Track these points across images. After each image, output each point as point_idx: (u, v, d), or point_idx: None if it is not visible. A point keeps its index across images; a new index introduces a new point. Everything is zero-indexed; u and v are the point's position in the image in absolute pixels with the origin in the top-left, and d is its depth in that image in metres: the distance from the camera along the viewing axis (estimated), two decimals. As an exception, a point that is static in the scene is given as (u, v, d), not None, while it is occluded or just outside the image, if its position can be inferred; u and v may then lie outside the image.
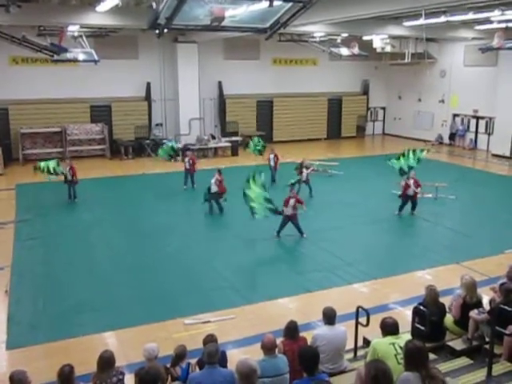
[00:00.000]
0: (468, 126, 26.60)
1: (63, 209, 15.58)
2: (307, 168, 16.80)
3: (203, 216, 14.92)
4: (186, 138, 24.36)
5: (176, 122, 25.03)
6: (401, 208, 14.68)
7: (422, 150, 15.66)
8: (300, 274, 10.89)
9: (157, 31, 6.77)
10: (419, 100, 28.91)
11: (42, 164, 15.77)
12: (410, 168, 15.02)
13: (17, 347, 7.95)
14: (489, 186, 18.87)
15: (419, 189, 14.53)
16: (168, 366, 5.73)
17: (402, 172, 15.15)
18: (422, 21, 15.98)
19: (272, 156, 18.22)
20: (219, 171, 15.12)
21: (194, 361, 5.86)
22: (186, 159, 17.64)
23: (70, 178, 15.87)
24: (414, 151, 15.43)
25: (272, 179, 17.89)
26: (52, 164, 15.79)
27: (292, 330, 5.84)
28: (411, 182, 14.36)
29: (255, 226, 13.62)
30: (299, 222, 12.82)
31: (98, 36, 20.39)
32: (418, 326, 6.50)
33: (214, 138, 24.98)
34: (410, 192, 14.42)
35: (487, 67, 24.54)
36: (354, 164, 21.97)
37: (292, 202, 12.60)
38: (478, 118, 26.00)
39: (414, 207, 14.74)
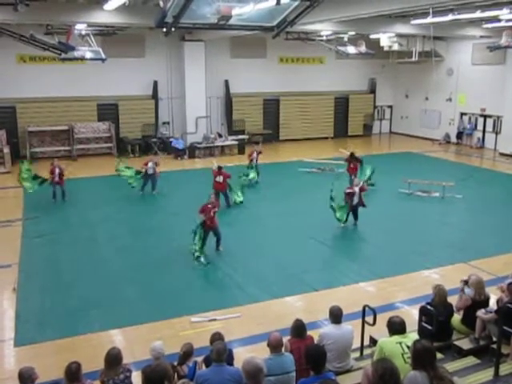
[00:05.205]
0: (475, 125, 26.44)
1: (70, 207, 15.64)
2: None
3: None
4: (193, 136, 24.40)
5: (183, 120, 25.04)
6: (346, 217, 13.54)
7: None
8: (306, 272, 10.86)
9: (164, 30, 6.78)
10: (426, 98, 28.74)
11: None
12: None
13: (25, 344, 8.00)
14: (496, 185, 18.77)
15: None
16: (175, 364, 5.74)
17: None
18: (429, 19, 15.92)
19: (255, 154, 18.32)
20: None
21: (200, 359, 5.88)
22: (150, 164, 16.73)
23: (57, 179, 15.97)
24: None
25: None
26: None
27: (299, 329, 5.84)
28: (356, 189, 13.36)
29: (260, 225, 13.63)
30: (220, 231, 11.64)
31: (106, 34, 20.44)
32: (425, 325, 6.49)
33: (220, 136, 25.00)
34: (355, 200, 13.40)
35: (495, 66, 24.37)
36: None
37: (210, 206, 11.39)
38: (485, 117, 25.84)
39: (355, 217, 13.67)
